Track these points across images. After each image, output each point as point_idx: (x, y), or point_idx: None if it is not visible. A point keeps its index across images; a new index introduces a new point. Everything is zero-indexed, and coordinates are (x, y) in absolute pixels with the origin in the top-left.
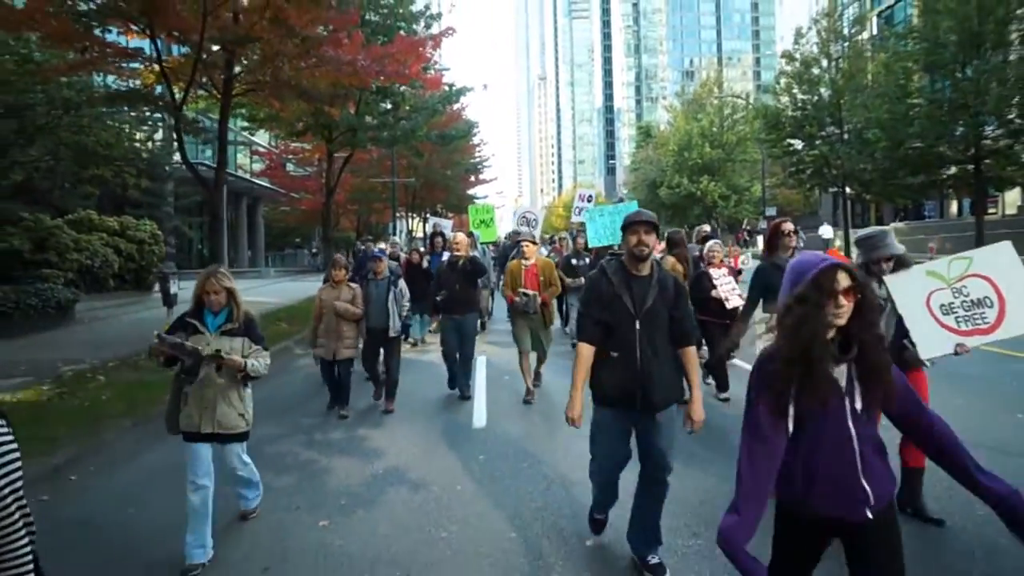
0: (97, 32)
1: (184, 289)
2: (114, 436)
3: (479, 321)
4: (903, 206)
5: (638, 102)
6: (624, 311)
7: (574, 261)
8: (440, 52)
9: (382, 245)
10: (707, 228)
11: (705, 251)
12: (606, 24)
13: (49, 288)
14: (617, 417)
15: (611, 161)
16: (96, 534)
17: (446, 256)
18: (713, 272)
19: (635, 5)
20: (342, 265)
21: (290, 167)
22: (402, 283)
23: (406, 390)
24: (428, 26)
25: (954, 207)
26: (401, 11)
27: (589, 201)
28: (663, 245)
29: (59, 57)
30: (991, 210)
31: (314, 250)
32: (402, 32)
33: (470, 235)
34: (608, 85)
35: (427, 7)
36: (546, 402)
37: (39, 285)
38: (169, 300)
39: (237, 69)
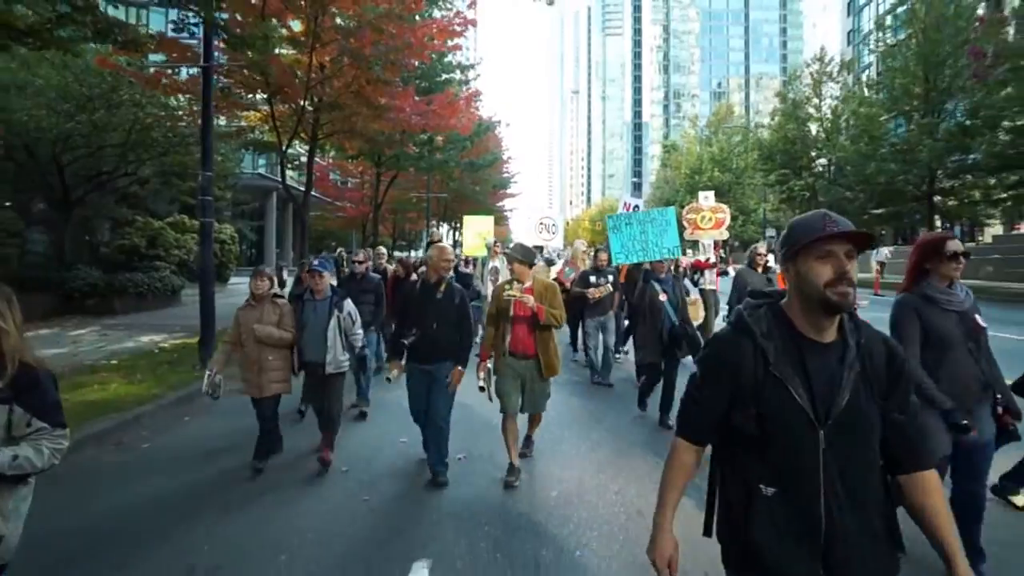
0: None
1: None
2: None
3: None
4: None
5: (666, 120)
6: (793, 411)
7: (592, 279)
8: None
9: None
10: (762, 247)
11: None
12: (637, 43)
13: (166, 276)
14: None
15: (635, 178)
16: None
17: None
18: None
19: (666, 27)
20: (266, 276)
21: (332, 176)
22: (348, 305)
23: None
24: (464, 71)
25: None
26: (441, 63)
27: (635, 211)
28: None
29: (188, 106)
30: (979, 238)
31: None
32: (441, 77)
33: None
34: (637, 102)
35: (459, 64)
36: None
37: (155, 274)
38: (282, 282)
39: (322, 121)
